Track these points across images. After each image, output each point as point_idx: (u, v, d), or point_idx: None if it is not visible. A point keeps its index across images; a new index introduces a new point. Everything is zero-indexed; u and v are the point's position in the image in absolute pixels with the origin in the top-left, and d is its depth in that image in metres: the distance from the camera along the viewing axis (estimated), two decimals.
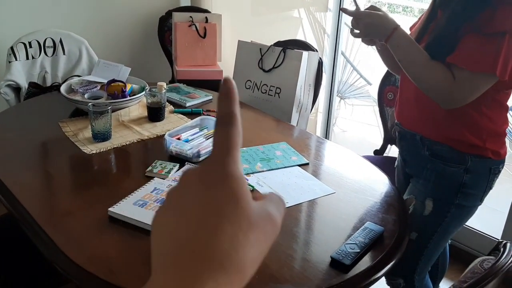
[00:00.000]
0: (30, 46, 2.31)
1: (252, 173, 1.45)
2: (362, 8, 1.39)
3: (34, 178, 1.39)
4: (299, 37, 3.21)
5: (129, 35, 2.87)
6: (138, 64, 2.73)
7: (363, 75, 4.00)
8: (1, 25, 2.41)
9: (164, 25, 2.85)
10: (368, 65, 3.99)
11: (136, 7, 2.87)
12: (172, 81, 2.78)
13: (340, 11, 2.63)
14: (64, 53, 2.40)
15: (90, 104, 1.60)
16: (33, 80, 2.30)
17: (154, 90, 1.79)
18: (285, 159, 1.54)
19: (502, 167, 1.39)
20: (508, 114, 1.40)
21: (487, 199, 1.43)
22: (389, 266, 1.09)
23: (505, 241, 0.97)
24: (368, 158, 1.72)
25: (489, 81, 1.22)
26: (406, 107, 1.47)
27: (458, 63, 1.22)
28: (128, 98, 1.82)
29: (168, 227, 0.33)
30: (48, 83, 2.34)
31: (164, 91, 1.79)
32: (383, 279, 1.36)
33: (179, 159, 1.50)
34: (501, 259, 0.89)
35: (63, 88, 1.87)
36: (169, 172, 1.41)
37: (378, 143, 2.29)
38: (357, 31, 1.38)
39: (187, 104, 1.98)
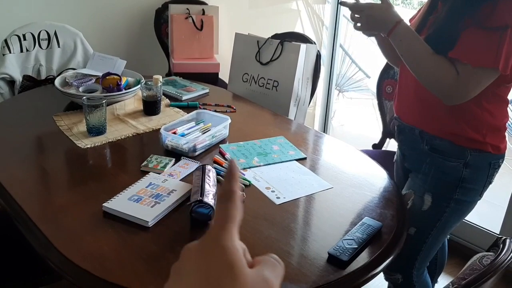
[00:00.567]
0: (24, 39, 2.28)
1: (249, 167, 1.43)
2: (362, 0, 1.37)
3: (27, 172, 1.37)
4: (297, 29, 3.19)
5: (125, 27, 2.84)
6: (134, 57, 2.71)
7: (361, 68, 3.98)
8: None
9: (161, 17, 2.82)
10: (367, 58, 3.97)
11: None
12: (169, 74, 2.75)
13: (339, 3, 2.60)
14: (58, 46, 2.37)
15: (84, 97, 1.58)
16: (28, 73, 2.27)
17: (149, 83, 1.76)
18: (282, 153, 1.53)
19: (502, 162, 1.38)
20: (508, 108, 1.38)
21: (486, 193, 1.42)
22: (387, 262, 1.08)
23: (504, 237, 0.96)
24: (366, 152, 1.70)
25: (491, 76, 1.20)
26: (405, 101, 1.45)
27: (461, 58, 1.21)
28: (123, 91, 1.79)
29: None
30: (43, 76, 2.32)
31: (160, 84, 1.77)
32: (381, 274, 1.35)
33: (175, 153, 1.48)
34: (501, 256, 0.87)
35: (57, 81, 1.84)
36: (164, 166, 1.39)
37: (376, 137, 2.28)
38: (359, 24, 1.35)
39: (183, 98, 1.96)
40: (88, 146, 1.52)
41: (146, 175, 1.33)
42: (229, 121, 1.61)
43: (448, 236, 1.56)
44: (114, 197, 1.21)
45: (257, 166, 1.44)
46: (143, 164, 1.40)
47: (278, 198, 1.28)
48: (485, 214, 2.26)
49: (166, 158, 1.44)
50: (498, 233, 2.24)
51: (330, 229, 1.17)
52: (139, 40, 2.91)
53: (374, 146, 2.26)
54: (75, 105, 1.79)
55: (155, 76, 1.78)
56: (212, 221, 0.38)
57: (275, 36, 2.29)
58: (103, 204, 1.17)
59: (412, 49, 1.27)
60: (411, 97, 1.41)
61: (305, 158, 1.51)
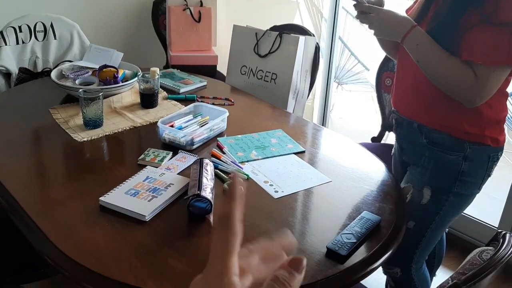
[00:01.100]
0: (20, 31, 2.26)
1: (247, 161, 1.42)
2: None
3: (23, 166, 1.36)
4: (296, 21, 3.16)
5: (122, 19, 2.81)
6: (131, 49, 2.69)
7: (360, 60, 3.96)
8: None
9: (158, 9, 2.79)
10: (366, 50, 3.95)
11: None
12: (166, 66, 2.73)
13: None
14: (55, 38, 2.35)
15: (81, 90, 1.57)
16: (24, 65, 2.25)
17: (147, 75, 1.75)
18: (280, 147, 1.52)
19: (501, 155, 1.37)
20: (508, 102, 1.37)
21: (485, 186, 1.41)
22: (386, 256, 1.07)
23: (504, 232, 0.95)
24: (365, 145, 1.69)
25: (506, 72, 1.20)
26: (402, 94, 1.44)
27: (474, 59, 1.19)
28: (120, 84, 1.78)
29: None
30: (39, 69, 2.30)
31: (157, 76, 1.75)
32: (380, 268, 1.35)
33: (173, 147, 1.47)
34: (501, 250, 0.86)
35: (53, 74, 1.83)
36: (162, 160, 1.38)
37: (375, 130, 2.27)
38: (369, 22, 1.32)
39: (181, 90, 1.95)
40: (85, 139, 1.50)
41: (143, 169, 1.31)
42: (227, 114, 1.59)
43: (447, 230, 1.55)
44: (111, 191, 1.20)
45: (255, 160, 1.43)
46: (140, 157, 1.39)
47: (276, 192, 1.27)
48: (484, 207, 2.26)
49: (163, 152, 1.42)
50: (497, 226, 2.24)
51: (328, 223, 1.16)
52: (137, 32, 2.88)
53: (373, 139, 2.25)
54: (72, 98, 1.78)
55: (152, 69, 1.77)
56: (213, 249, 0.40)
57: (274, 28, 2.27)
58: (100, 198, 1.16)
59: (429, 55, 1.24)
60: (409, 90, 1.40)
61: (303, 152, 1.50)
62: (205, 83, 2.05)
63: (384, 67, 2.13)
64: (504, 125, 1.37)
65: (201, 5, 2.65)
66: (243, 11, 3.02)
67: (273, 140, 1.56)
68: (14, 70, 2.22)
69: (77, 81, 1.81)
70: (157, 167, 1.34)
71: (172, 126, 1.52)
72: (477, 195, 1.42)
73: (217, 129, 1.57)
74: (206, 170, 1.24)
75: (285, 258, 0.42)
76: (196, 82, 2.04)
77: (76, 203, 1.19)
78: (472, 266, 0.87)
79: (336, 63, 3.20)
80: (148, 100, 1.76)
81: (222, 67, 2.59)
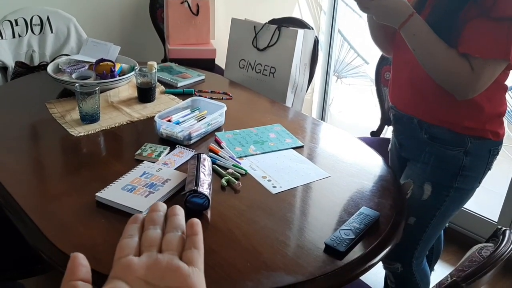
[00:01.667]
0: (17, 24, 2.23)
1: (245, 156, 1.41)
2: None
3: (19, 161, 1.35)
4: (295, 14, 3.14)
5: (119, 12, 2.79)
6: (129, 43, 2.67)
7: (360, 54, 3.94)
8: None
9: (156, 2, 2.77)
10: (365, 43, 3.92)
11: None
12: (164, 60, 2.71)
13: None
14: (51, 31, 2.33)
15: (77, 84, 1.55)
16: (20, 59, 2.24)
17: (144, 69, 1.73)
18: (279, 141, 1.50)
19: (501, 148, 1.37)
20: (507, 95, 1.36)
21: (484, 180, 1.40)
22: (384, 252, 1.06)
23: (504, 228, 0.94)
24: (364, 139, 1.68)
25: (502, 67, 1.19)
26: (400, 90, 1.43)
27: (471, 52, 1.17)
28: (117, 78, 1.76)
29: None
30: (36, 63, 2.28)
31: (154, 70, 1.74)
32: (380, 263, 1.34)
33: (170, 141, 1.46)
34: (501, 247, 0.86)
35: (50, 68, 1.81)
36: (159, 155, 1.37)
37: (375, 123, 2.25)
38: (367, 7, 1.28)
39: (179, 85, 1.93)
40: (81, 134, 1.49)
41: (140, 164, 1.30)
42: (225, 108, 1.58)
43: (447, 224, 1.54)
44: (108, 186, 1.19)
45: (253, 155, 1.42)
46: (137, 152, 1.38)
47: (274, 187, 1.26)
48: (483, 202, 2.26)
49: (160, 147, 1.41)
50: (496, 220, 2.23)
51: (327, 219, 1.15)
52: (134, 25, 2.86)
53: (372, 133, 2.24)
54: (68, 92, 1.76)
55: (149, 63, 1.75)
56: None
57: (272, 21, 2.25)
58: (96, 194, 1.15)
59: (426, 45, 1.22)
60: (407, 86, 1.38)
61: (302, 147, 1.48)
62: (203, 77, 2.03)
63: (384, 60, 2.12)
64: (504, 119, 1.36)
65: None
66: (241, 4, 3.00)
67: (271, 134, 1.55)
68: (11, 64, 2.20)
69: (73, 75, 1.80)
70: (154, 162, 1.32)
71: (169, 120, 1.50)
72: (477, 190, 1.41)
73: (215, 123, 1.56)
74: (204, 165, 1.22)
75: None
76: (194, 76, 2.02)
77: (72, 198, 1.18)
78: (472, 263, 0.87)
79: (335, 56, 3.18)
80: (145, 94, 1.75)
81: (220, 61, 2.57)
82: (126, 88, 1.81)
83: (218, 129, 1.57)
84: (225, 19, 2.78)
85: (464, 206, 1.48)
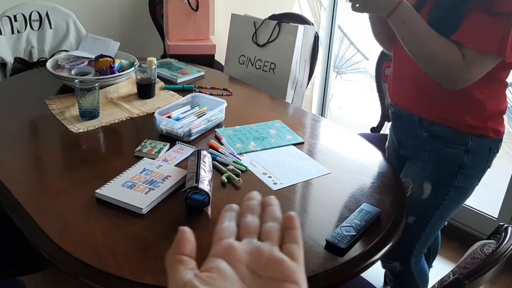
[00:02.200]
0: (16, 20, 2.22)
1: (245, 152, 1.40)
2: None
3: (18, 158, 1.34)
4: (295, 10, 3.13)
5: (118, 8, 2.77)
6: (128, 39, 2.65)
7: (360, 49, 3.93)
8: None
9: None
10: (365, 39, 3.91)
11: None
12: (164, 56, 2.70)
13: None
14: (50, 27, 2.31)
15: (77, 80, 1.54)
16: (19, 55, 2.22)
17: (144, 65, 1.72)
18: (279, 138, 1.50)
19: (500, 146, 1.36)
20: (507, 91, 1.35)
21: (484, 176, 1.39)
22: (385, 249, 1.06)
23: (506, 225, 0.93)
24: (364, 136, 1.68)
25: (495, 61, 1.17)
26: (400, 87, 1.41)
27: (464, 42, 1.16)
28: (117, 74, 1.75)
29: None
30: (35, 58, 2.27)
31: (154, 66, 1.73)
32: (379, 262, 1.34)
33: (170, 138, 1.45)
34: (503, 244, 0.85)
35: (49, 64, 1.80)
36: (159, 151, 1.36)
37: (374, 119, 2.25)
38: (357, 5, 1.28)
39: (178, 81, 1.92)
40: (81, 130, 1.49)
41: (140, 161, 1.30)
42: (225, 104, 1.57)
43: (446, 222, 1.54)
44: (107, 183, 1.18)
45: (253, 151, 1.41)
46: (137, 149, 1.37)
47: (275, 183, 1.25)
48: (483, 198, 2.25)
49: (160, 143, 1.41)
50: (496, 217, 2.23)
51: (327, 216, 1.15)
52: (133, 21, 2.85)
53: (373, 129, 2.23)
54: (68, 88, 1.76)
55: (149, 59, 1.74)
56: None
57: (272, 17, 2.24)
58: (96, 191, 1.15)
59: (415, 32, 1.20)
60: (408, 83, 1.37)
61: (302, 143, 1.48)
62: (202, 73, 2.03)
63: (384, 56, 2.11)
64: (504, 116, 1.35)
65: None
66: None
67: (272, 131, 1.54)
68: (10, 60, 2.19)
69: (73, 71, 1.79)
70: (154, 159, 1.32)
71: (169, 117, 1.50)
72: (477, 186, 1.41)
73: (215, 120, 1.55)
74: (204, 162, 1.22)
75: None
76: (193, 72, 2.01)
77: (72, 195, 1.17)
78: (474, 260, 0.86)
79: (335, 52, 3.17)
80: (145, 90, 1.74)
81: (220, 57, 2.56)
82: (125, 84, 1.80)
83: (218, 125, 1.56)
84: (225, 14, 2.77)
85: (464, 203, 1.48)
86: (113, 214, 1.10)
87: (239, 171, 1.29)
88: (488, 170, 1.38)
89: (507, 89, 1.33)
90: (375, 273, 2.04)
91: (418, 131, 1.37)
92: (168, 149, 1.39)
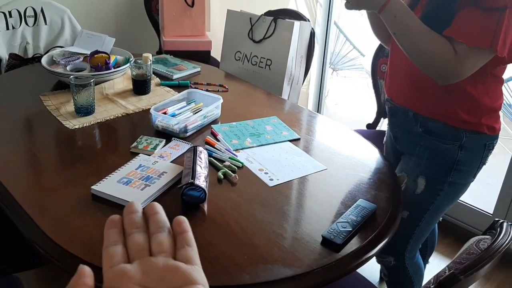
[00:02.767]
0: (10, 16, 2.21)
1: (242, 149, 1.40)
2: None
3: (13, 154, 1.34)
4: (291, 6, 3.12)
5: (113, 4, 2.76)
6: (123, 35, 2.64)
7: (356, 46, 3.93)
8: None
9: None
10: (361, 36, 3.91)
11: None
12: (159, 52, 2.69)
13: None
14: (45, 23, 2.30)
15: (72, 76, 1.53)
16: (14, 51, 2.21)
17: (139, 61, 1.72)
18: (275, 134, 1.50)
19: (496, 143, 1.36)
20: (503, 88, 1.35)
21: (480, 172, 1.40)
22: (381, 244, 1.06)
23: (501, 220, 0.94)
24: (360, 132, 1.68)
25: (487, 56, 1.17)
26: (397, 82, 1.42)
27: (456, 37, 1.16)
28: (112, 70, 1.75)
29: None
30: (30, 54, 2.25)
31: (149, 62, 1.72)
32: (374, 257, 1.34)
33: (166, 134, 1.45)
34: (498, 240, 0.86)
35: (44, 60, 1.79)
36: (155, 148, 1.36)
37: (370, 116, 2.25)
38: (348, 2, 1.26)
39: (174, 77, 1.92)
40: (76, 126, 1.48)
41: (136, 157, 1.29)
42: (221, 100, 1.57)
43: (441, 218, 1.54)
44: (103, 179, 1.18)
45: (250, 147, 1.41)
46: (133, 145, 1.37)
47: (271, 180, 1.25)
48: (478, 194, 2.26)
49: (156, 139, 1.40)
50: (491, 213, 2.24)
51: (324, 212, 1.15)
52: (129, 17, 2.84)
53: (368, 126, 2.23)
54: (63, 85, 1.75)
55: (144, 54, 1.73)
56: None
57: (268, 13, 2.23)
58: (92, 187, 1.14)
59: (407, 27, 1.20)
60: (403, 78, 1.37)
61: (298, 139, 1.48)
62: (198, 69, 2.02)
63: (380, 53, 2.11)
64: (500, 112, 1.36)
65: None
66: None
67: (268, 127, 1.54)
68: (4, 56, 2.17)
69: (68, 67, 1.78)
70: (150, 155, 1.32)
71: (165, 113, 1.49)
72: (472, 182, 1.41)
73: (211, 116, 1.55)
74: (200, 158, 1.22)
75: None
76: (189, 68, 2.01)
77: (68, 191, 1.17)
78: (470, 255, 0.87)
79: (331, 48, 3.17)
80: (140, 86, 1.74)
81: (215, 53, 2.56)
82: (121, 80, 1.80)
83: (214, 121, 1.56)
84: (221, 10, 2.76)
85: (460, 199, 1.48)
86: (109, 210, 1.10)
87: (235, 167, 1.29)
88: (484, 166, 1.38)
89: (503, 85, 1.33)
90: (371, 269, 2.05)
91: (413, 127, 1.37)
92: (164, 145, 1.38)
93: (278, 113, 1.65)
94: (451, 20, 1.17)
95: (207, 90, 1.72)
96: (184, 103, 1.59)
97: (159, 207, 0.46)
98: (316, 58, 3.02)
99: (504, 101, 1.37)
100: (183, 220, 0.45)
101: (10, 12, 2.20)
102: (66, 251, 0.97)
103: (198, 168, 1.16)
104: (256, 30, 2.17)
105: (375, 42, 2.09)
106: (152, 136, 1.42)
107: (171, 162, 1.29)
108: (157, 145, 1.37)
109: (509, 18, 1.11)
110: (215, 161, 1.31)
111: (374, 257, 1.48)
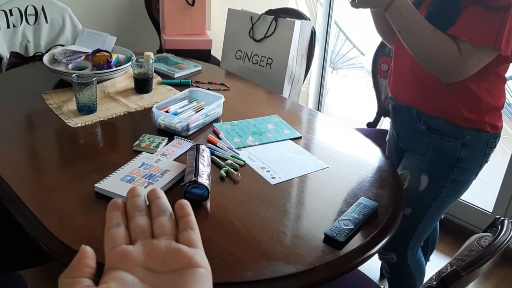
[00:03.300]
0: (11, 14, 2.21)
1: (244, 147, 1.41)
2: None
3: (17, 152, 1.34)
4: (291, 5, 3.13)
5: (114, 3, 2.76)
6: (124, 33, 2.64)
7: (356, 45, 3.93)
8: None
9: None
10: (361, 35, 3.92)
11: None
12: (160, 50, 2.70)
13: None
14: (46, 21, 2.30)
15: (74, 75, 1.54)
16: (15, 49, 2.21)
17: (141, 60, 1.72)
18: (277, 132, 1.50)
19: (498, 141, 1.37)
20: (505, 87, 1.36)
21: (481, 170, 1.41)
22: (383, 242, 1.07)
23: (502, 218, 0.95)
24: (361, 130, 1.69)
25: (491, 55, 1.18)
26: (400, 80, 1.43)
27: (460, 35, 1.17)
28: (114, 68, 1.75)
29: None
30: (31, 53, 2.26)
31: (151, 61, 1.73)
32: (375, 256, 1.35)
33: (168, 132, 1.45)
34: (499, 237, 0.86)
35: (46, 58, 1.79)
36: (157, 146, 1.36)
37: (370, 115, 2.26)
38: (354, 0, 1.27)
39: (176, 75, 1.92)
40: (79, 125, 1.48)
41: (139, 155, 1.30)
42: (223, 99, 1.58)
43: (442, 216, 1.55)
44: (106, 177, 1.18)
45: (252, 146, 1.42)
46: (135, 143, 1.37)
47: (273, 178, 1.26)
48: (478, 193, 2.27)
49: (159, 138, 1.41)
50: (491, 211, 2.25)
51: (325, 209, 1.16)
52: (130, 16, 2.84)
53: (369, 124, 2.24)
54: (65, 83, 1.75)
55: (146, 53, 1.74)
56: None
57: (269, 12, 2.24)
58: (95, 185, 1.15)
59: (412, 25, 1.21)
60: (407, 76, 1.38)
61: (300, 138, 1.49)
62: (200, 68, 2.03)
63: (381, 52, 2.12)
64: (502, 111, 1.36)
65: None
66: None
67: (269, 125, 1.55)
68: (6, 54, 2.18)
69: (70, 66, 1.78)
70: (152, 153, 1.32)
71: (167, 111, 1.50)
72: (474, 180, 1.42)
73: (213, 114, 1.56)
74: (203, 156, 1.22)
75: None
76: (190, 67, 2.01)
77: (71, 189, 1.17)
78: (471, 252, 0.87)
79: (331, 47, 3.18)
80: (142, 85, 1.74)
81: (216, 52, 2.56)
82: (122, 79, 1.80)
83: (216, 120, 1.57)
84: (221, 9, 2.77)
85: (460, 197, 1.49)
86: None
87: (237, 165, 1.29)
88: (485, 164, 1.39)
89: (505, 84, 1.34)
90: (372, 267, 2.05)
91: (416, 124, 1.38)
92: (167, 144, 1.39)
93: (279, 112, 1.66)
94: (455, 19, 1.18)
95: (208, 89, 1.72)
96: (186, 102, 1.60)
97: (161, 193, 0.46)
98: (316, 57, 3.02)
99: (506, 101, 1.37)
100: (186, 203, 0.45)
101: (11, 11, 2.20)
102: (70, 248, 0.98)
103: (200, 166, 1.17)
104: (257, 29, 2.18)
105: (375, 41, 2.10)
106: (154, 135, 1.43)
107: (173, 160, 1.30)
108: (159, 143, 1.38)
109: None
110: (217, 159, 1.32)
111: (376, 256, 1.50)
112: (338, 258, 0.99)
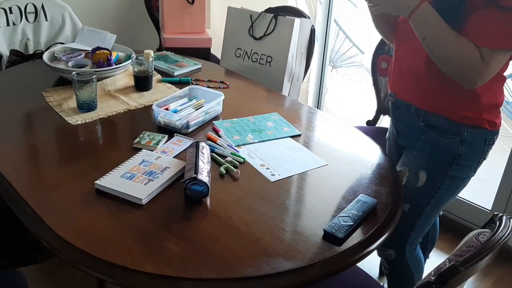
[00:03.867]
0: (11, 12, 2.21)
1: (243, 144, 1.41)
2: None
3: (17, 150, 1.34)
4: (291, 3, 3.13)
5: (114, 1, 2.77)
6: (124, 31, 2.65)
7: (355, 43, 3.94)
8: None
9: None
10: (361, 33, 3.92)
11: None
12: (160, 49, 2.70)
13: None
14: (46, 19, 2.30)
15: (74, 72, 1.54)
16: (15, 47, 2.22)
17: (140, 58, 1.73)
18: (276, 130, 1.51)
19: (497, 138, 1.37)
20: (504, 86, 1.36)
21: (478, 169, 1.41)
22: (382, 238, 1.08)
23: (500, 214, 0.95)
24: (360, 128, 1.69)
25: (508, 56, 1.18)
26: (400, 78, 1.43)
27: (477, 42, 1.16)
28: (114, 66, 1.76)
29: None
30: (31, 51, 2.26)
31: (151, 59, 1.73)
32: (374, 252, 1.35)
33: (168, 130, 1.46)
34: (498, 233, 0.87)
35: (46, 56, 1.80)
36: (157, 143, 1.37)
37: (370, 113, 2.26)
38: (374, 4, 1.25)
39: (175, 73, 1.93)
40: (79, 122, 1.49)
41: (139, 152, 1.30)
42: (223, 97, 1.58)
43: (441, 212, 1.56)
44: (107, 174, 1.19)
45: (251, 143, 1.42)
46: (135, 141, 1.38)
47: (273, 175, 1.27)
48: (477, 190, 2.28)
49: (158, 135, 1.41)
50: (490, 209, 2.26)
51: (325, 206, 1.16)
52: (129, 14, 2.84)
53: (368, 122, 2.25)
54: (65, 81, 1.76)
55: (146, 51, 1.74)
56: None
57: (269, 10, 2.24)
58: (95, 182, 1.15)
59: (437, 32, 1.18)
60: (407, 73, 1.38)
61: (299, 135, 1.49)
62: (199, 66, 2.03)
63: (380, 50, 2.12)
64: (501, 108, 1.37)
65: None
66: None
67: (269, 123, 1.55)
68: (5, 52, 2.18)
69: (70, 64, 1.79)
70: (152, 151, 1.33)
71: (167, 109, 1.50)
72: (471, 178, 1.42)
73: (213, 112, 1.56)
74: (203, 153, 1.23)
75: None
76: (190, 65, 2.02)
77: (71, 186, 1.18)
78: (469, 248, 0.88)
79: (331, 46, 3.18)
80: (142, 82, 1.74)
81: (215, 50, 2.56)
82: (122, 76, 1.81)
83: (216, 117, 1.57)
84: (221, 7, 2.77)
85: (458, 195, 1.50)
86: (112, 205, 1.11)
87: (237, 162, 1.30)
88: (483, 162, 1.40)
89: (505, 83, 1.35)
90: (372, 264, 2.06)
91: (415, 121, 1.38)
92: (166, 141, 1.40)
93: (278, 110, 1.66)
94: (462, 24, 1.17)
95: (208, 87, 1.73)
96: (185, 100, 1.60)
97: None
98: (316, 55, 3.03)
99: (504, 99, 1.38)
100: None
101: (10, 8, 2.20)
102: (71, 245, 0.98)
103: (200, 163, 1.17)
104: (256, 27, 2.18)
105: (375, 40, 2.11)
106: (154, 132, 1.43)
107: (173, 157, 1.31)
108: (159, 140, 1.38)
109: None
110: (217, 156, 1.32)
111: (375, 252, 1.50)
112: (337, 255, 1.00)
